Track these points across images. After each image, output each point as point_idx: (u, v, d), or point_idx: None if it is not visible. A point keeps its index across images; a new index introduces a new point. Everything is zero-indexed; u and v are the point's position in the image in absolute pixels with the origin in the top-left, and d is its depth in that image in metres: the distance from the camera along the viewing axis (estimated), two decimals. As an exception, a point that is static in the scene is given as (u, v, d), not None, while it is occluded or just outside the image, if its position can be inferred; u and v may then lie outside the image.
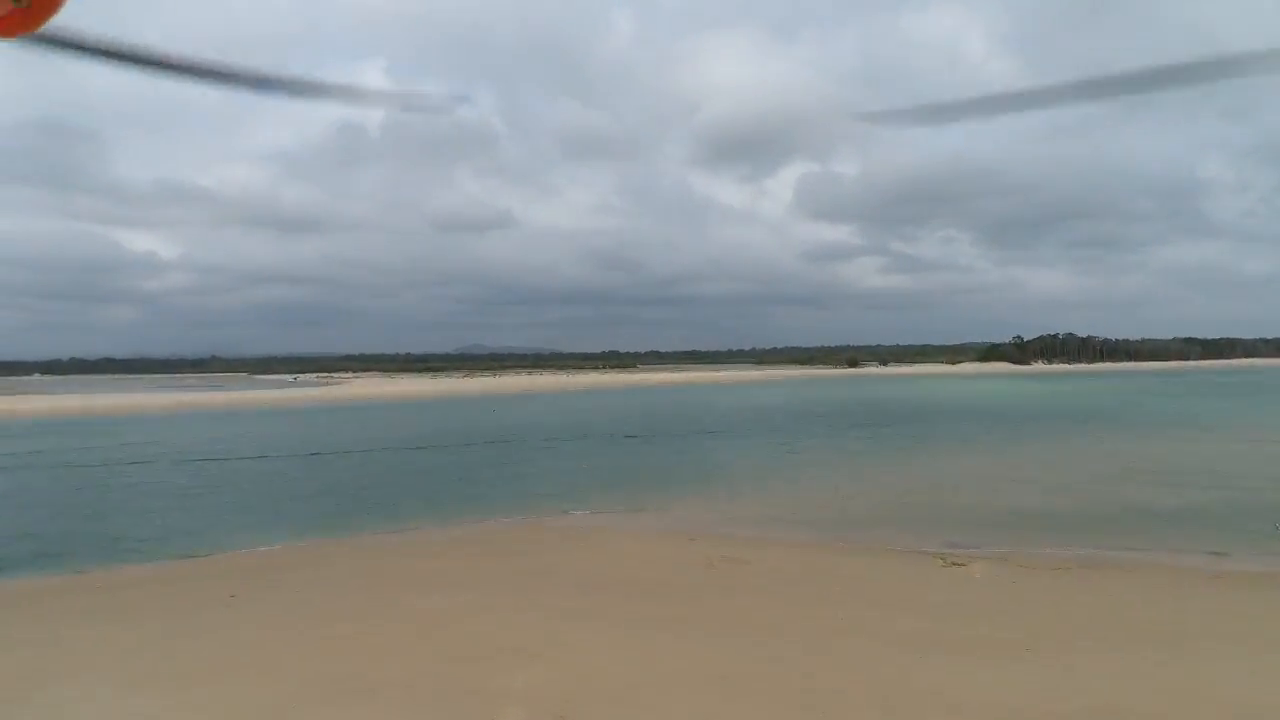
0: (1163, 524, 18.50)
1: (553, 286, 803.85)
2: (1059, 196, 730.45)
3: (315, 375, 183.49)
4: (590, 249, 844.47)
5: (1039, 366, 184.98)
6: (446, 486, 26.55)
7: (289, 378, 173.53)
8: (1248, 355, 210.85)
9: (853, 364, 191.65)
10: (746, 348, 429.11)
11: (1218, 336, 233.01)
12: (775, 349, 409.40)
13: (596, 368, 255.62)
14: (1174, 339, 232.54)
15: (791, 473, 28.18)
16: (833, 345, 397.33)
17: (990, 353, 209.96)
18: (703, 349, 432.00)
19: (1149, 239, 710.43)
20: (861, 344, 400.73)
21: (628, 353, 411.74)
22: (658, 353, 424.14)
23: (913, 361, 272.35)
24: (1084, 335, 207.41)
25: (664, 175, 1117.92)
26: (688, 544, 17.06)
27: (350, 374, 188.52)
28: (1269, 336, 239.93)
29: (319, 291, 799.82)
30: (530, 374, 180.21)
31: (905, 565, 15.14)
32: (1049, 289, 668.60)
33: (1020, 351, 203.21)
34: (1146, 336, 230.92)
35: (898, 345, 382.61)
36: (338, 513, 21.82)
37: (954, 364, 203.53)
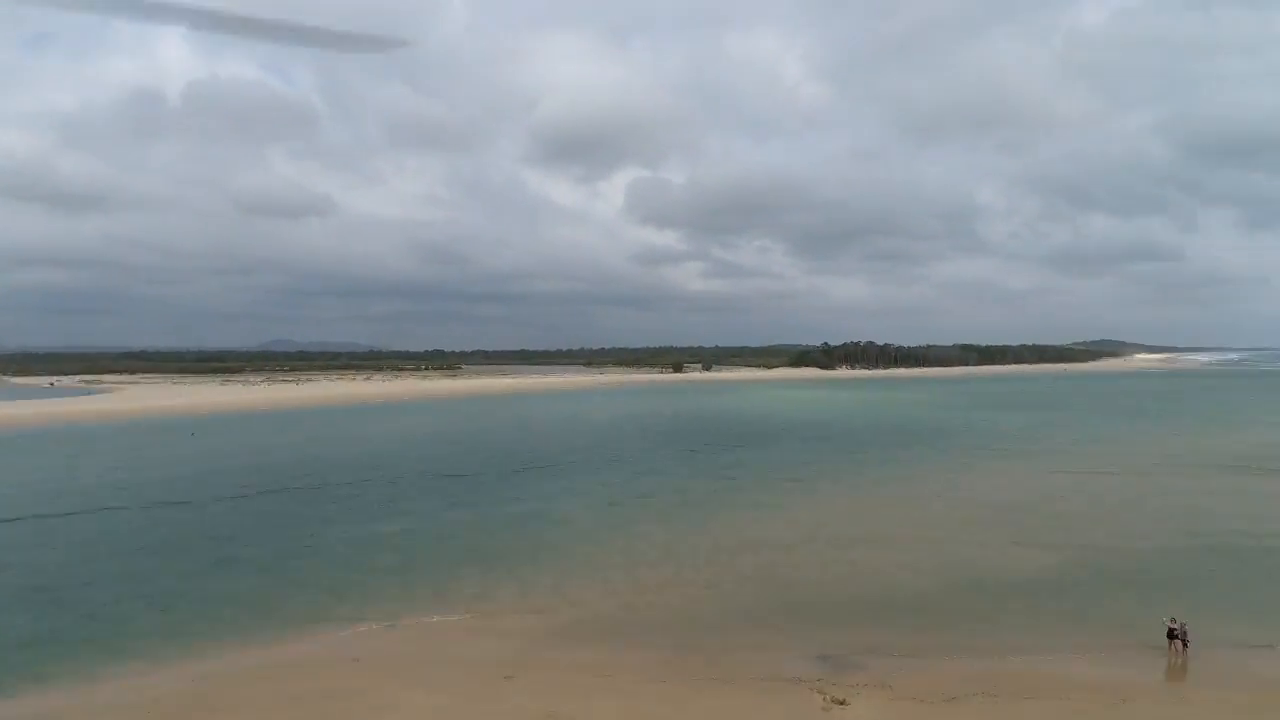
0: (1034, 605, 17.81)
1: (375, 279, 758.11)
2: (860, 214, 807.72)
3: (80, 379, 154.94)
4: (417, 241, 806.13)
5: (844, 372, 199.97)
6: (173, 579, 20.49)
7: (45, 382, 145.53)
8: (1016, 361, 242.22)
9: (678, 369, 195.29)
10: (576, 347, 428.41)
11: (989, 343, 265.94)
12: (604, 349, 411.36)
13: (420, 368, 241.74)
14: (954, 345, 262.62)
15: (629, 539, 24.95)
16: (658, 346, 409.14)
17: (801, 358, 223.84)
18: (533, 348, 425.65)
19: (933, 255, 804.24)
20: (684, 345, 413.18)
21: (454, 351, 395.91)
22: (485, 352, 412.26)
23: (731, 363, 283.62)
24: (880, 342, 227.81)
25: (497, 170, 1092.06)
26: (502, 687, 13.22)
27: (123, 377, 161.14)
28: (1029, 343, 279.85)
29: (98, 276, 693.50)
30: (347, 376, 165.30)
31: (778, 705, 12.37)
32: (849, 297, 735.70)
33: (828, 357, 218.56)
34: (931, 343, 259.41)
35: (717, 347, 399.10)
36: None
37: (770, 368, 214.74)
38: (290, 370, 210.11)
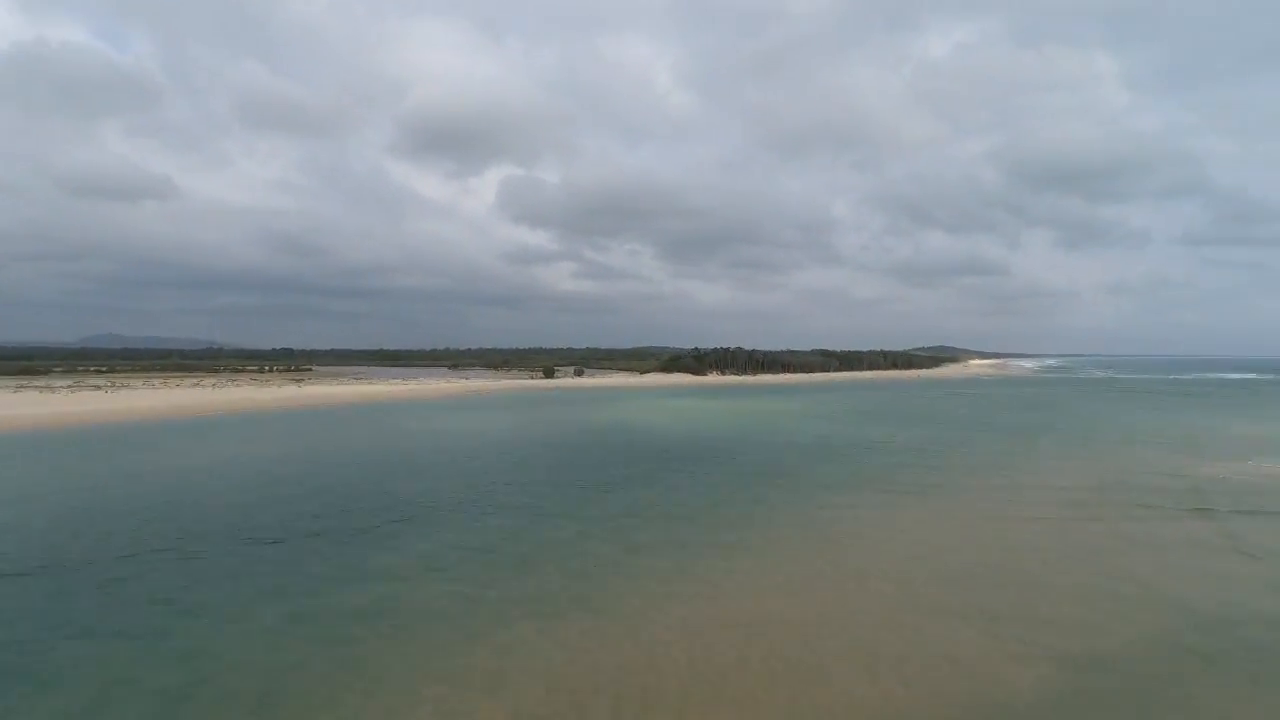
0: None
1: (219, 269, 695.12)
2: (726, 222, 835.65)
3: None
4: (268, 230, 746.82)
5: (715, 378, 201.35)
6: None
7: None
8: (871, 367, 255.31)
9: (549, 374, 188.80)
10: (441, 347, 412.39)
11: (842, 349, 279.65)
12: (471, 349, 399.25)
13: (263, 368, 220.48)
14: (813, 350, 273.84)
15: (503, 658, 18.27)
16: (527, 347, 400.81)
17: (673, 363, 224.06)
18: (394, 347, 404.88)
19: (792, 264, 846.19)
20: (554, 346, 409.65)
21: (305, 350, 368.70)
22: (340, 350, 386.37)
23: (602, 365, 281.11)
24: (741, 345, 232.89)
25: (359, 159, 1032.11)
26: None
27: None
28: (877, 348, 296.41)
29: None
30: (172, 380, 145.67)
31: None
32: (713, 301, 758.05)
33: (699, 363, 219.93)
34: (789, 347, 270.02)
35: (588, 348, 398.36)
36: None
37: (642, 373, 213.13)
38: (108, 371, 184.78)
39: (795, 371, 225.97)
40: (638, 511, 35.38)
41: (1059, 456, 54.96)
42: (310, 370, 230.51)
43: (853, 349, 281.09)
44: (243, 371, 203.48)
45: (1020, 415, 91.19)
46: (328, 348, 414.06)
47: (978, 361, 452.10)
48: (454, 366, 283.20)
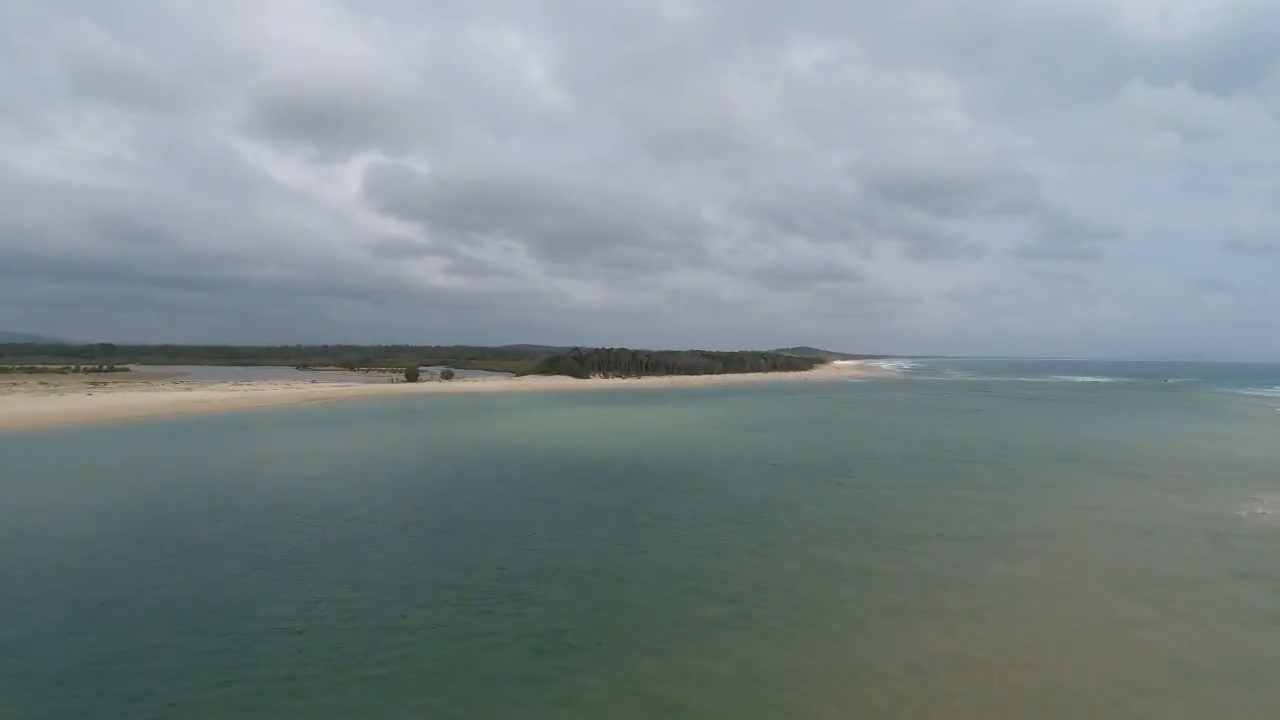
0: None
1: (35, 254, 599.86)
2: (601, 221, 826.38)
3: None
4: (97, 211, 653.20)
5: (598, 381, 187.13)
6: None
7: None
8: (753, 368, 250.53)
9: (411, 376, 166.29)
10: (294, 344, 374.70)
11: (712, 349, 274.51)
12: (329, 346, 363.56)
13: (67, 368, 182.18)
14: (692, 351, 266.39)
15: None
16: (391, 344, 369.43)
17: (552, 364, 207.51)
18: (239, 344, 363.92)
19: (664, 265, 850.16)
20: (421, 344, 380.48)
21: (129, 346, 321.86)
22: (172, 347, 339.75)
23: (472, 365, 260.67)
24: (628, 348, 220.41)
25: (205, 137, 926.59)
26: None
27: None
28: (747, 349, 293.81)
29: None
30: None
31: None
32: (587, 300, 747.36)
33: (580, 364, 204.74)
34: (663, 347, 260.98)
35: (457, 346, 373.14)
36: None
37: (519, 375, 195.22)
38: None
39: (680, 373, 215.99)
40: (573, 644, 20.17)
41: (1038, 492, 45.34)
42: (126, 370, 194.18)
43: (722, 349, 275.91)
44: (39, 372, 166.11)
45: (986, 429, 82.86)
46: (161, 343, 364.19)
47: (841, 362, 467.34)
48: (303, 366, 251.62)
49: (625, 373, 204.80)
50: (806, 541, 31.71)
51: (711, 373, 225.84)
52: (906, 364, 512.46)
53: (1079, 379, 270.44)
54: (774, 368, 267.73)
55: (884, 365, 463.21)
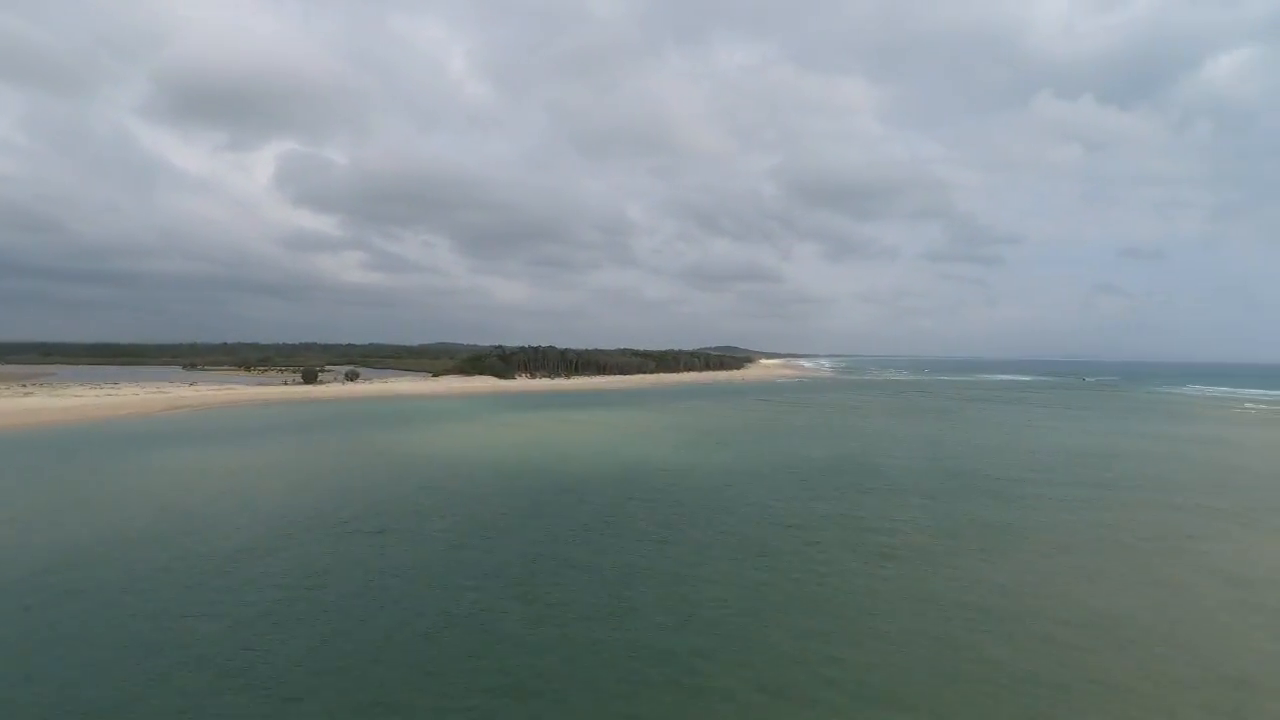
0: None
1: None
2: (527, 218, 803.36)
3: None
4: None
5: (524, 381, 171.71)
6: None
7: None
8: (688, 368, 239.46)
9: (309, 378, 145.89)
10: (201, 341, 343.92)
11: (641, 348, 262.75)
12: (227, 344, 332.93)
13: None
14: (622, 350, 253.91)
15: None
16: (298, 342, 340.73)
17: (473, 363, 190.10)
18: (143, 340, 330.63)
19: (590, 264, 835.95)
20: (334, 342, 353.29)
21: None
22: (49, 345, 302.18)
23: (387, 364, 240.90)
24: (542, 344, 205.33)
25: (103, 120, 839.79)
26: None
27: None
28: (673, 348, 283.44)
29: None
30: None
31: None
32: (512, 298, 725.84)
33: (505, 363, 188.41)
34: (591, 346, 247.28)
35: (371, 344, 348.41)
36: None
37: (436, 375, 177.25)
38: None
39: (612, 373, 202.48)
40: None
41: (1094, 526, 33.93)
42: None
43: (649, 348, 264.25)
44: None
45: (998, 435, 72.78)
46: (59, 340, 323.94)
47: (767, 361, 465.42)
48: (191, 365, 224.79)
49: (554, 373, 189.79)
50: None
51: (645, 372, 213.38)
52: (828, 362, 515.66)
53: (1004, 377, 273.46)
54: (708, 367, 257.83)
55: (807, 364, 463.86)
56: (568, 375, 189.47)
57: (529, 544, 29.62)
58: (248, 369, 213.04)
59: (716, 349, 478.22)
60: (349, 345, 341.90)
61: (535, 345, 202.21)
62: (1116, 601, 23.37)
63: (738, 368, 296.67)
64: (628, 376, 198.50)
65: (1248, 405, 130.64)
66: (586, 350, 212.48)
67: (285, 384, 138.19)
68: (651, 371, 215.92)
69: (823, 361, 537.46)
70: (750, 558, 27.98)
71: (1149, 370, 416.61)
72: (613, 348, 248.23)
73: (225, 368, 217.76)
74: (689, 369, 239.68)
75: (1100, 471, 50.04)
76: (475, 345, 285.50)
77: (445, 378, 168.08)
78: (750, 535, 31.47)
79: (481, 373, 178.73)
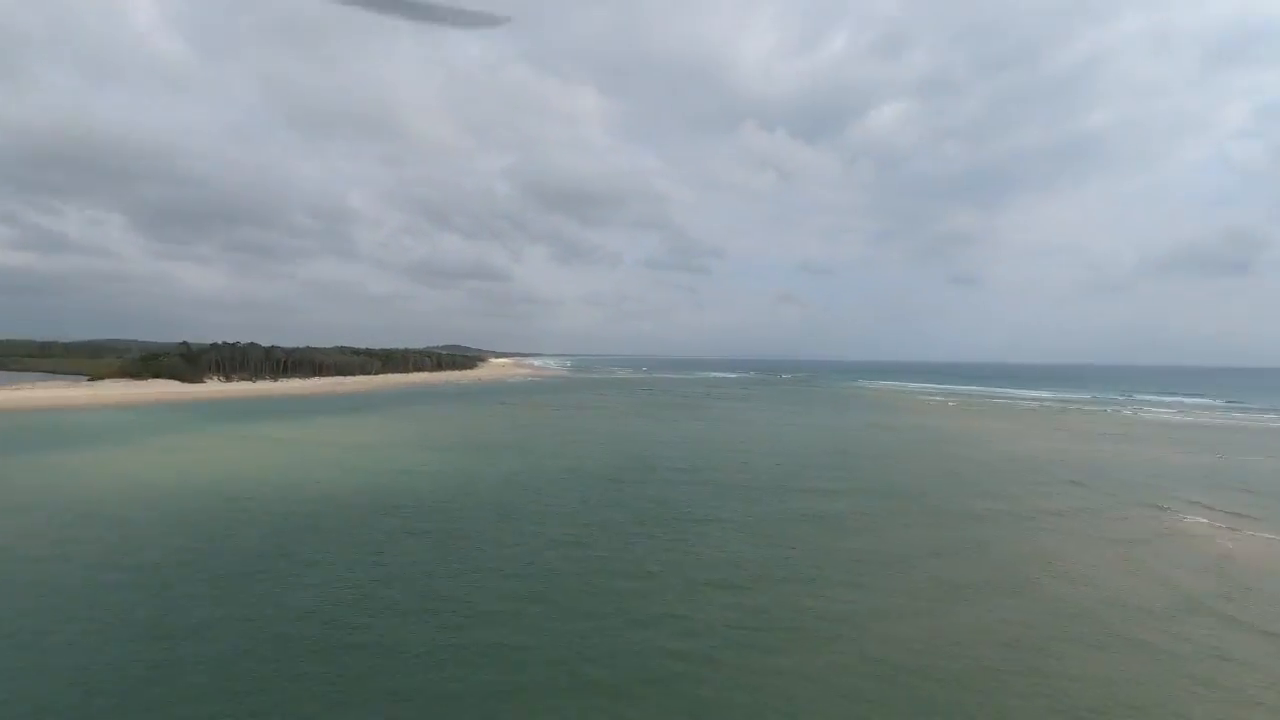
0: None
1: None
2: (229, 197, 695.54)
3: None
4: None
5: (216, 385, 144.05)
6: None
7: None
8: (417, 368, 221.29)
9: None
10: None
11: (363, 345, 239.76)
12: None
13: None
14: (339, 348, 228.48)
15: None
16: None
17: (148, 364, 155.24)
18: None
19: (304, 253, 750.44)
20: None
21: None
22: None
23: (24, 362, 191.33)
24: (241, 341, 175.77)
25: None
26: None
27: None
28: (399, 346, 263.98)
29: None
30: None
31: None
32: (206, 288, 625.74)
33: (190, 364, 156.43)
34: (305, 343, 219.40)
35: (6, 340, 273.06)
36: None
37: (96, 379, 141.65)
38: None
39: (330, 374, 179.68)
40: None
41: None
42: None
43: (370, 347, 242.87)
44: None
45: (817, 434, 71.90)
46: None
47: (498, 360, 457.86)
48: None
49: (257, 374, 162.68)
50: None
51: (369, 372, 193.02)
52: (556, 362, 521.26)
53: (717, 374, 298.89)
54: (439, 366, 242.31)
55: (537, 363, 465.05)
56: (274, 377, 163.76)
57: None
58: None
59: (444, 348, 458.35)
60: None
61: (233, 342, 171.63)
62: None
63: (470, 367, 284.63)
64: (349, 378, 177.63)
65: (920, 396, 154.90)
66: (299, 348, 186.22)
67: None
68: (377, 372, 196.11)
69: (550, 361, 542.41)
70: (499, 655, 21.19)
71: (828, 368, 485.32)
72: (332, 346, 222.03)
73: None
74: (419, 369, 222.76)
75: (895, 460, 51.53)
76: (155, 343, 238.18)
77: (107, 382, 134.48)
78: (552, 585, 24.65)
79: (158, 375, 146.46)
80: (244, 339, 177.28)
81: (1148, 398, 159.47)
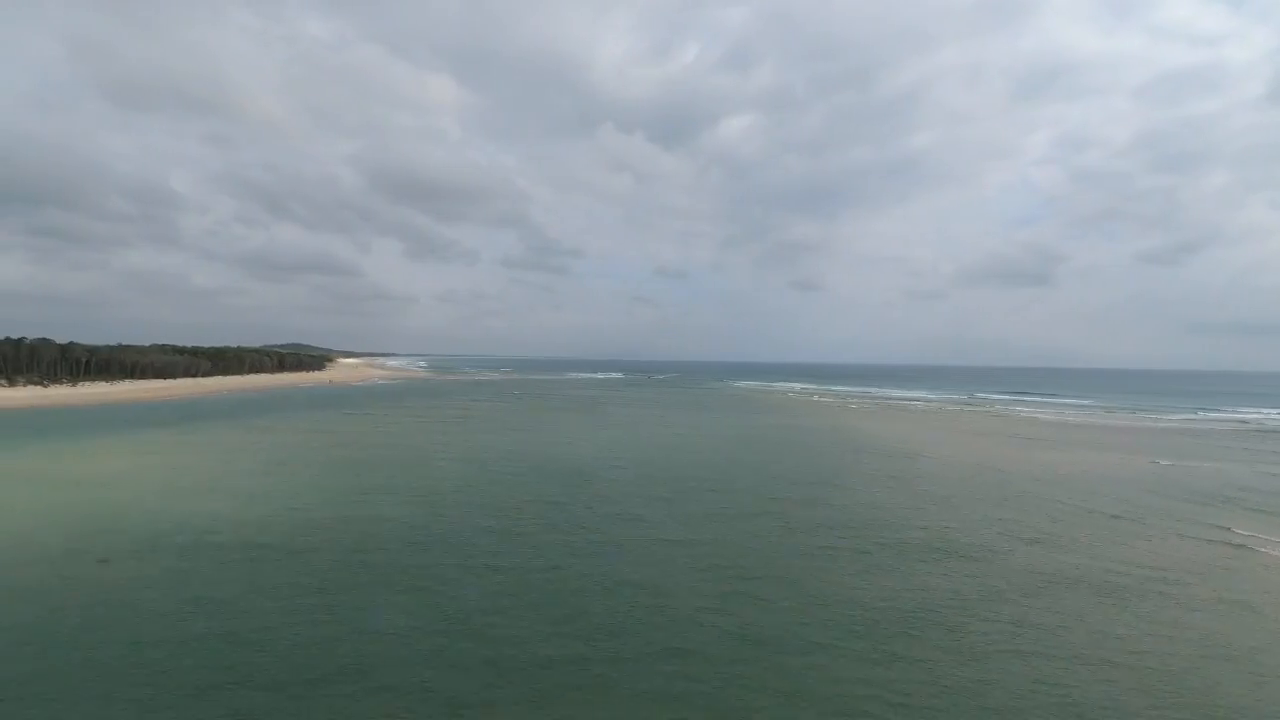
0: None
1: None
2: (26, 174, 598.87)
3: None
4: None
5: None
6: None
7: None
8: (255, 369, 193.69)
9: None
10: None
11: (192, 344, 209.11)
12: None
13: None
14: (159, 346, 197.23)
15: None
16: None
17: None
18: None
19: (118, 240, 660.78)
20: None
21: None
22: None
23: None
24: (38, 338, 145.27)
25: None
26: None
27: None
28: (230, 344, 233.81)
29: None
30: None
31: None
32: (1, 279, 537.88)
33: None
34: (119, 341, 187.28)
35: None
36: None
37: None
38: None
39: (148, 376, 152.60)
40: None
41: None
42: None
43: (197, 346, 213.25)
44: None
45: (667, 438, 63.17)
46: None
47: (348, 360, 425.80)
48: None
49: (52, 377, 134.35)
50: None
51: (196, 374, 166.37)
52: (410, 362, 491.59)
53: (588, 375, 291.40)
54: (282, 367, 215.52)
55: (392, 363, 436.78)
56: (73, 381, 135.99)
57: None
58: None
59: (285, 347, 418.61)
60: None
61: (16, 338, 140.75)
62: None
63: (318, 368, 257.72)
64: (172, 381, 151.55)
65: (802, 397, 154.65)
66: (107, 346, 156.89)
67: None
68: (206, 374, 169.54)
69: (406, 361, 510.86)
70: None
71: (686, 368, 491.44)
72: (151, 344, 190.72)
73: None
74: (259, 370, 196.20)
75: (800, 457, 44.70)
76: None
77: None
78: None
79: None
80: (44, 335, 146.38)
81: (997, 397, 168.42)
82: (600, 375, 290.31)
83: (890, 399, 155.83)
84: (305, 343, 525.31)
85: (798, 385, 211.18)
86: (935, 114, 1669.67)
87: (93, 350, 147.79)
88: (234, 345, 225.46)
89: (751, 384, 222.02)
